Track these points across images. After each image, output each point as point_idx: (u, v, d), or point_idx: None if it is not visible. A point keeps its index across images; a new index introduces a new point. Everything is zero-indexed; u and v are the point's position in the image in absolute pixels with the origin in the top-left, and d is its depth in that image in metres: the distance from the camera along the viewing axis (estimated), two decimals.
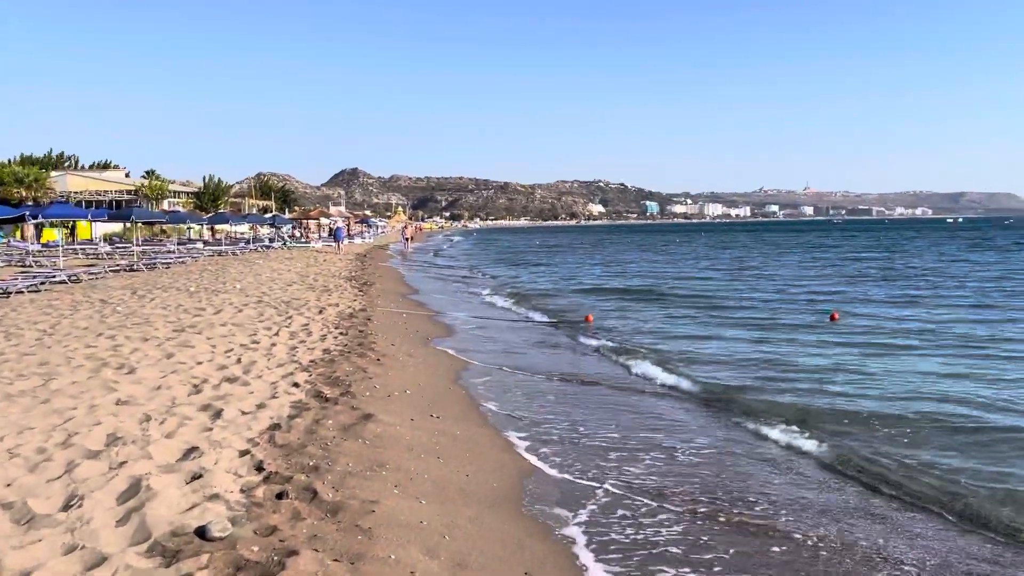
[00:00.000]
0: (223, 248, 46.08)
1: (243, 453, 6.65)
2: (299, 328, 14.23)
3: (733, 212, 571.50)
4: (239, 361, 10.61)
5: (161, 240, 61.20)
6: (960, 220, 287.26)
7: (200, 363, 10.38)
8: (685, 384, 11.30)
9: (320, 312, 17.03)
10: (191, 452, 6.55)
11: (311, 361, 11.04)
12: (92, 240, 55.46)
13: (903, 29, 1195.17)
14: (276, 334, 13.33)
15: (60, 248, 40.94)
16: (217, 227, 69.83)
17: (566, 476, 7.08)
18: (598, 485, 6.83)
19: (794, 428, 8.76)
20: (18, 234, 50.86)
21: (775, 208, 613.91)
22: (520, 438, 8.24)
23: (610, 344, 14.98)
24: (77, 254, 42.25)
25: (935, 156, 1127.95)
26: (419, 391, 9.94)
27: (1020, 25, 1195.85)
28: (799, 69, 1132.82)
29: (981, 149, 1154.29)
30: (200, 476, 5.96)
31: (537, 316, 20.01)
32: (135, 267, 29.67)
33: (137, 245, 51.57)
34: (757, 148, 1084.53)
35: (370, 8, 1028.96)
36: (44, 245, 53.86)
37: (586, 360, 13.66)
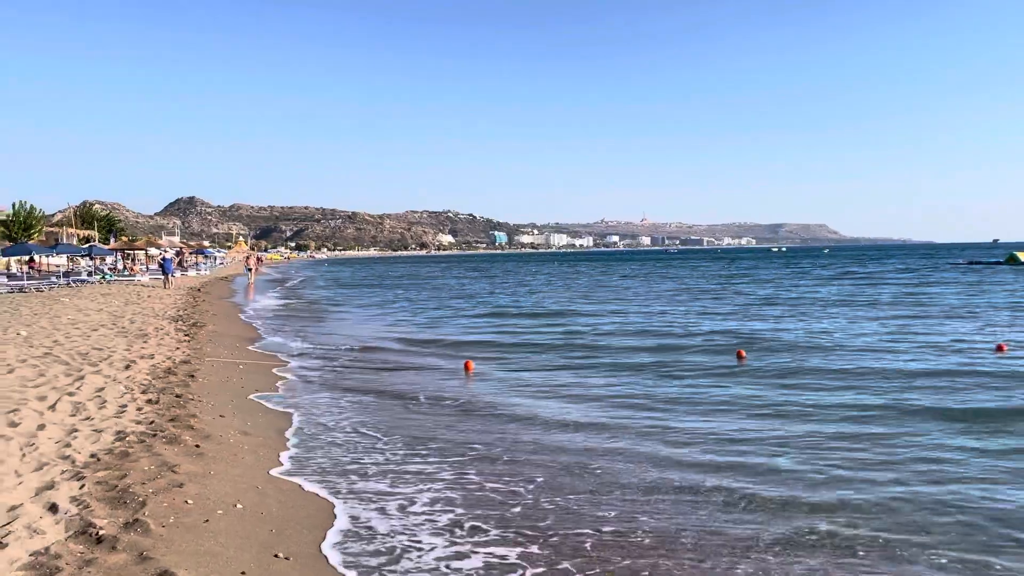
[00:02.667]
0: (25, 284, 39.52)
1: None
2: (90, 395, 10.46)
3: (577, 242, 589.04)
4: None
5: None
6: (784, 249, 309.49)
7: None
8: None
9: (127, 368, 13.18)
10: None
11: (92, 456, 7.49)
12: None
13: (729, 75, 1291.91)
14: (52, 407, 9.55)
15: None
16: (35, 259, 61.57)
17: None
18: None
19: None
20: None
21: (616, 238, 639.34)
22: None
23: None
24: None
25: (756, 190, 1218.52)
26: (258, 502, 6.68)
27: (826, 80, 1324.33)
28: (634, 107, 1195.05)
29: (797, 185, 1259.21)
30: None
31: (409, 360, 16.92)
32: None
33: None
34: (598, 180, 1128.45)
35: (203, 33, 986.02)
36: None
37: (475, 427, 10.75)
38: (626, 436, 9.57)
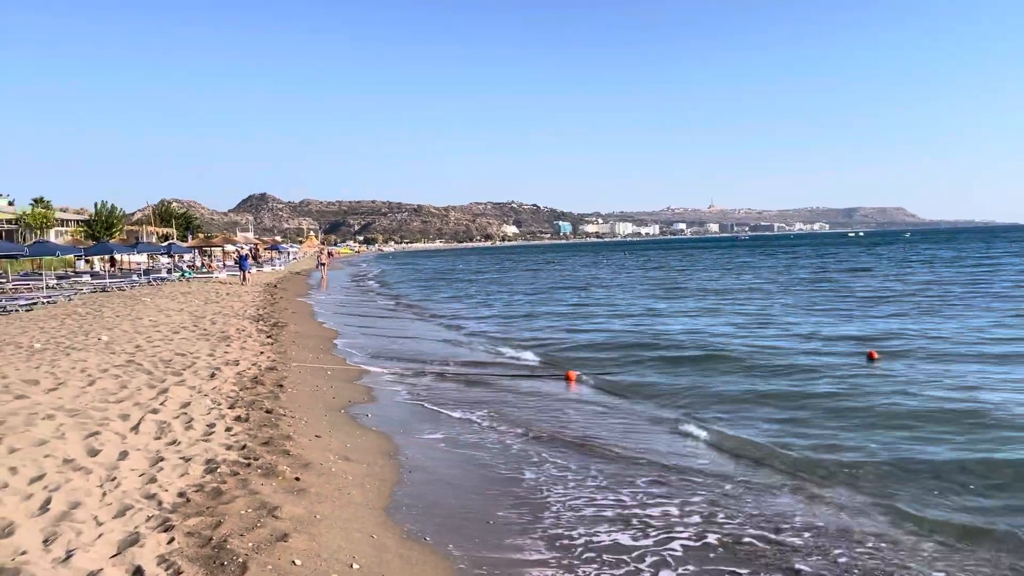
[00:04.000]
0: (108, 283, 39.95)
1: None
2: (175, 412, 9.55)
3: (643, 231, 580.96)
4: (44, 509, 5.96)
5: (39, 274, 54.16)
6: (861, 234, 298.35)
7: None
8: None
9: (212, 376, 12.33)
10: None
11: (181, 496, 6.47)
12: None
13: (799, 58, 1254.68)
14: (135, 428, 8.65)
15: None
16: (115, 258, 62.97)
17: None
18: None
19: None
20: None
21: (682, 226, 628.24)
22: None
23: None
24: None
25: (830, 174, 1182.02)
26: (376, 560, 5.53)
27: (903, 57, 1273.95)
28: (703, 91, 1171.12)
29: (873, 167, 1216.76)
30: None
31: (502, 369, 15.72)
32: None
33: (8, 281, 44.84)
34: (663, 167, 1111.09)
35: (272, 32, 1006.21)
36: None
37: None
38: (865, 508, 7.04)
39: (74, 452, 7.52)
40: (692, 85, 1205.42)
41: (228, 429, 8.87)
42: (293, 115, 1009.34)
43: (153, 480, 6.82)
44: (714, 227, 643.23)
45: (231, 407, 10.12)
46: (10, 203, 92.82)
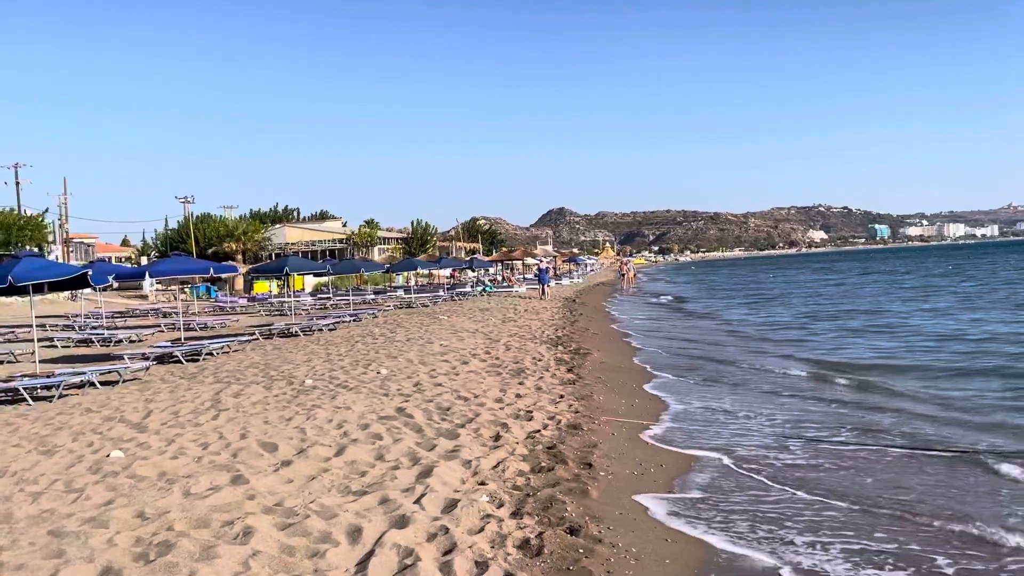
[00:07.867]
0: (413, 298, 40.09)
1: None
2: (431, 525, 6.01)
3: (978, 232, 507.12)
4: None
5: (363, 290, 57.68)
6: None
7: None
8: None
9: (496, 440, 8.85)
10: None
11: None
12: (300, 292, 52.13)
13: None
14: (361, 569, 5.19)
15: (270, 302, 37.04)
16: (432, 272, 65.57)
17: None
18: None
19: None
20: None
21: None
22: None
23: None
24: (259, 311, 37.94)
25: None
26: None
27: None
28: None
29: None
30: None
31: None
32: (291, 330, 23.51)
33: (331, 297, 47.63)
34: (1001, 158, 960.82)
35: (568, 47, 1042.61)
36: (252, 299, 51.66)
37: None
38: None
39: None
40: None
41: None
42: (588, 130, 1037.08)
43: None
44: None
45: (515, 515, 6.38)
46: (344, 224, 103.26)
